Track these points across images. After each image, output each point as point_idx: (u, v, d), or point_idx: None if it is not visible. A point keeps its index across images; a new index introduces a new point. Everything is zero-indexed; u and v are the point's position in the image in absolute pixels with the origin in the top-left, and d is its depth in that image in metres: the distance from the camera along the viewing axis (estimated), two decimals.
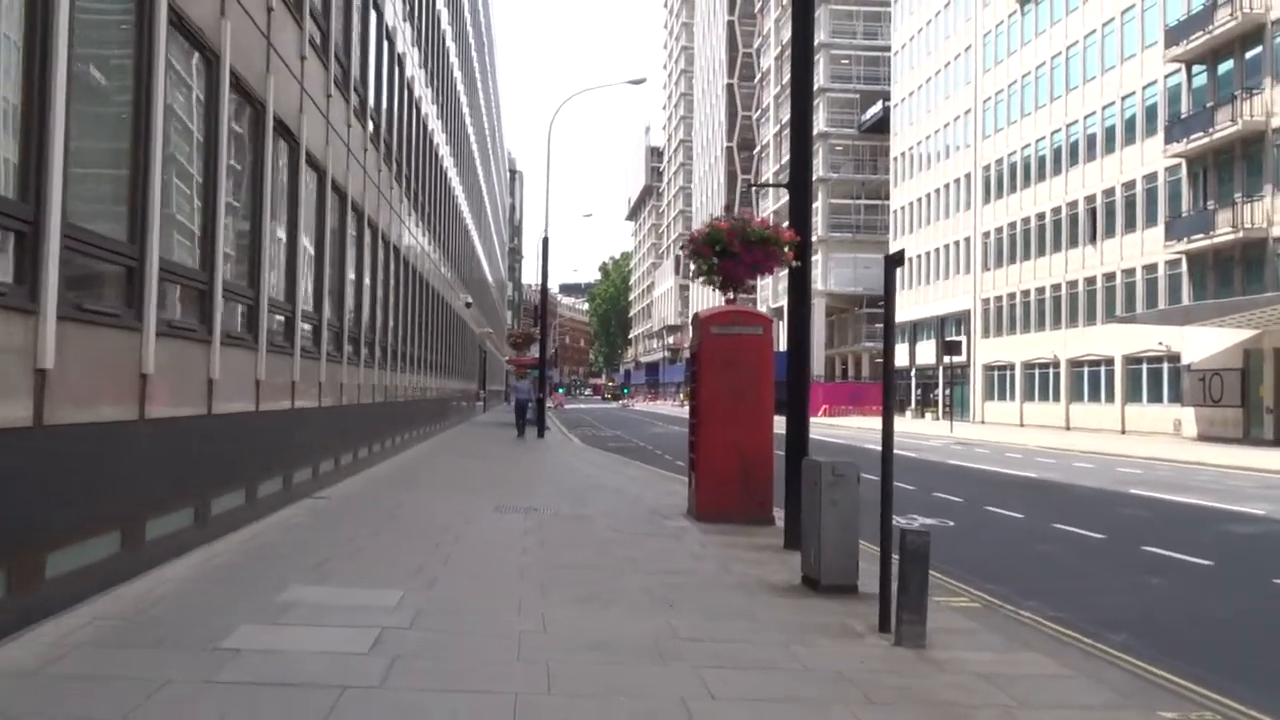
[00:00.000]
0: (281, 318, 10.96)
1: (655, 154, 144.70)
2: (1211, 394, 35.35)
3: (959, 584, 8.50)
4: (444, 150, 29.40)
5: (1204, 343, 35.43)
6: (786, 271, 10.09)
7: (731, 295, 10.58)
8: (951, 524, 12.72)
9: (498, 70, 71.42)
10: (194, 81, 8.19)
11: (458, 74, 35.17)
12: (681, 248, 9.77)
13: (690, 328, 12.41)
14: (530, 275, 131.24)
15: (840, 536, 7.67)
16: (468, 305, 36.90)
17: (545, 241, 29.68)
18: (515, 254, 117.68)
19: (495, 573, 7.94)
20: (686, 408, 65.21)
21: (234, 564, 7.75)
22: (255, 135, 9.83)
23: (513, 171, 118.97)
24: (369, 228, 16.27)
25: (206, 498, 8.46)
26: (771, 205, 78.29)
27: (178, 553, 7.72)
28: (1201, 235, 35.66)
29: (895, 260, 6.60)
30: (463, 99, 37.51)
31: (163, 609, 6.17)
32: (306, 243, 12.20)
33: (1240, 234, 33.49)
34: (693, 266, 10.48)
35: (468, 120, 40.07)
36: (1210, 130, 34.83)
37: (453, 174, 32.42)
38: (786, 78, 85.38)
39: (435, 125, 26.84)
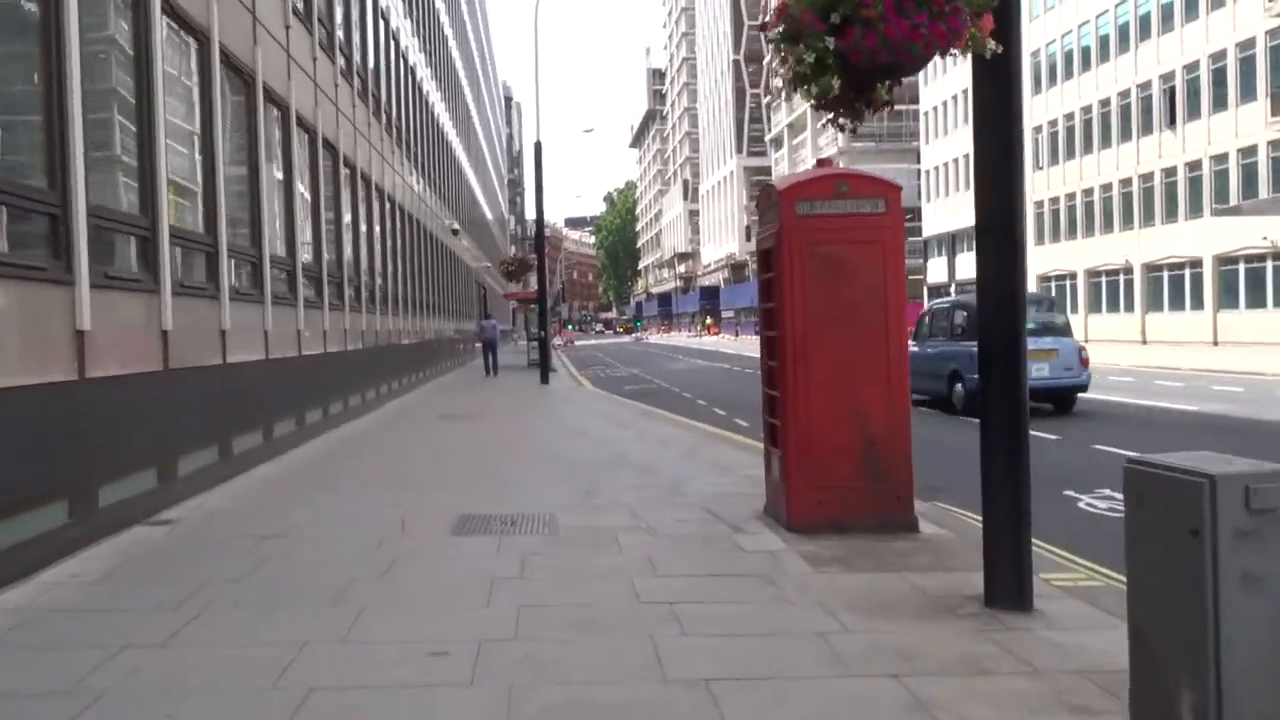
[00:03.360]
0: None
1: (657, 76, 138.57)
2: None
3: None
4: (408, 42, 24.15)
5: None
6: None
7: (850, 123, 5.38)
8: None
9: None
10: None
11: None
12: (761, 28, 4.49)
13: (758, 210, 7.37)
14: (533, 209, 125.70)
15: None
16: (454, 232, 31.83)
17: (538, 146, 24.45)
18: (515, 186, 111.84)
19: None
20: (704, 339, 60.28)
21: None
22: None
23: (508, 100, 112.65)
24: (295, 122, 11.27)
25: None
26: (795, 158, 72.08)
27: None
28: None
29: None
30: (444, 17, 32.49)
31: None
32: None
33: None
34: (778, 72, 5.32)
35: (444, 18, 34.64)
36: None
37: (418, 61, 27.16)
38: None
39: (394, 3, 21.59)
